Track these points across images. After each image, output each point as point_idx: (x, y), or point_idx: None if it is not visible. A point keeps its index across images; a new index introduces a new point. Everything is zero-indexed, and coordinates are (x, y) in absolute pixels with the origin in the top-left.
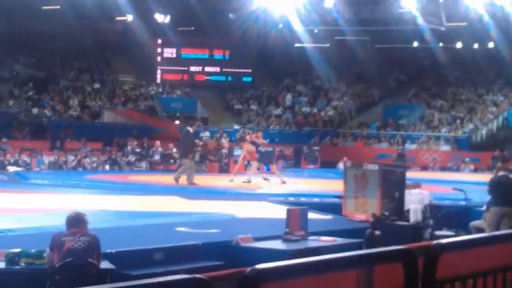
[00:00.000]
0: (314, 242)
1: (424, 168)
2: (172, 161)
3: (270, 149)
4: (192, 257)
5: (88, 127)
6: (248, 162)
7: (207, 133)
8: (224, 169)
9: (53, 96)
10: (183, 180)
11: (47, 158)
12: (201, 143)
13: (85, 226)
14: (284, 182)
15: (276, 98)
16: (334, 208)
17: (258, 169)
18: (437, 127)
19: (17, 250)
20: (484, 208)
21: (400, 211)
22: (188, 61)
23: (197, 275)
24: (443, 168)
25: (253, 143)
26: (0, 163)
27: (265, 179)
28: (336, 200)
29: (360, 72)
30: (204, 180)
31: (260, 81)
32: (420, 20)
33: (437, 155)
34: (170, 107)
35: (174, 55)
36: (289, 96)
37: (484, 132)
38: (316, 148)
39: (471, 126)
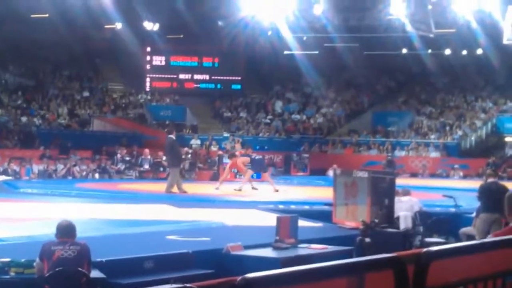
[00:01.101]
0: (304, 249)
1: (414, 175)
2: (161, 169)
3: (260, 156)
4: (182, 265)
5: (77, 135)
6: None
7: (198, 141)
8: (217, 177)
9: (42, 105)
10: (174, 189)
11: (37, 167)
12: (190, 151)
13: (75, 235)
14: (277, 191)
15: (265, 106)
16: (324, 216)
17: (253, 176)
18: (427, 133)
19: (7, 259)
20: (474, 214)
21: (390, 218)
22: (177, 69)
23: (188, 284)
24: (433, 175)
25: (245, 155)
26: None
27: (254, 188)
28: (326, 207)
29: (349, 79)
30: (194, 188)
31: (249, 89)
32: (409, 27)
33: (426, 161)
34: (159, 115)
35: (163, 63)
36: (279, 103)
37: (473, 138)
38: (306, 155)
39: (460, 132)
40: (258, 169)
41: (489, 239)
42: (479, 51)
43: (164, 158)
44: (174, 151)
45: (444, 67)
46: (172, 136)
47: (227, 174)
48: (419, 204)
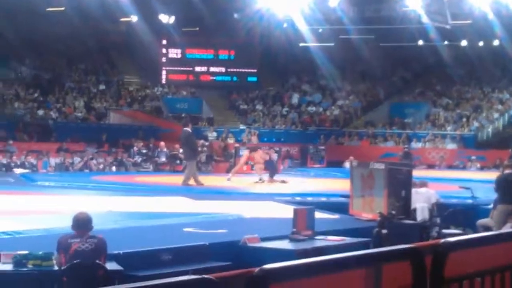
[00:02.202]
0: (321, 241)
1: (431, 166)
2: (178, 161)
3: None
4: (199, 257)
5: (94, 128)
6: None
7: (215, 134)
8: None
9: (58, 98)
10: (191, 181)
11: (54, 160)
12: (207, 143)
13: (91, 227)
14: (283, 181)
15: (281, 98)
16: (340, 208)
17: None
18: (443, 125)
19: (25, 252)
20: (491, 206)
21: (407, 210)
22: (193, 61)
23: (206, 276)
24: (450, 167)
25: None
26: (7, 165)
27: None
28: (342, 199)
29: (365, 71)
30: (210, 180)
31: (265, 81)
32: (425, 18)
33: (443, 153)
34: (175, 107)
35: (179, 56)
36: (295, 96)
37: (490, 130)
38: (322, 147)
39: (477, 124)
40: (270, 172)
41: (506, 230)
42: (496, 42)
43: (180, 150)
44: (190, 144)
45: (461, 59)
46: (188, 129)
47: (241, 166)
48: (436, 195)
